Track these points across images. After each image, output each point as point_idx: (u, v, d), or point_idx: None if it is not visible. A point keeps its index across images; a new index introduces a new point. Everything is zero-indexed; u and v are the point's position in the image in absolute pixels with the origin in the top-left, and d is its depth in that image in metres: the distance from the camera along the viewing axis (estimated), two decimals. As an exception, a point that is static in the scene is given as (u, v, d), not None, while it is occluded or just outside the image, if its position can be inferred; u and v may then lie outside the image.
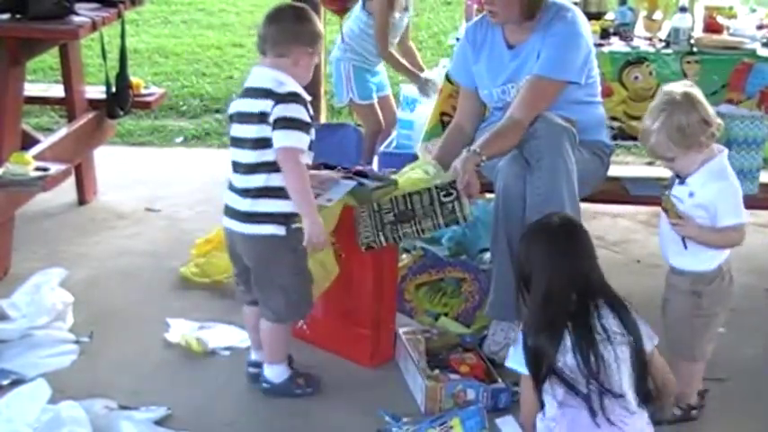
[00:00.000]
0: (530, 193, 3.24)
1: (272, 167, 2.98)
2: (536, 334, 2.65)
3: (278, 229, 3.01)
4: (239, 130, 3.04)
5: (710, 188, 2.89)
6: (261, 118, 2.96)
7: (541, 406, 2.67)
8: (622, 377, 2.61)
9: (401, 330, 3.37)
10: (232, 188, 3.07)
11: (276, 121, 2.94)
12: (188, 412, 3.12)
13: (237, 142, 3.04)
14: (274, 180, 2.99)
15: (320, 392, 3.22)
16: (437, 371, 3.14)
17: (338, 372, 3.35)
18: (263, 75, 3.02)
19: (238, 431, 3.07)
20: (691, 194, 2.91)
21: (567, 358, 2.61)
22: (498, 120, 3.45)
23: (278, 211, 3.01)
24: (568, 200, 3.24)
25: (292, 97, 2.97)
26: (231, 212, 3.07)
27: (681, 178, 2.95)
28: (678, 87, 2.94)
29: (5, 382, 3.22)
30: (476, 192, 3.23)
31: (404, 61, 4.84)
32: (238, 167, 3.04)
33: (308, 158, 3.04)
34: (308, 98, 3.03)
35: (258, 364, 3.25)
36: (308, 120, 2.99)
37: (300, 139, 2.96)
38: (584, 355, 2.60)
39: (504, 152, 3.33)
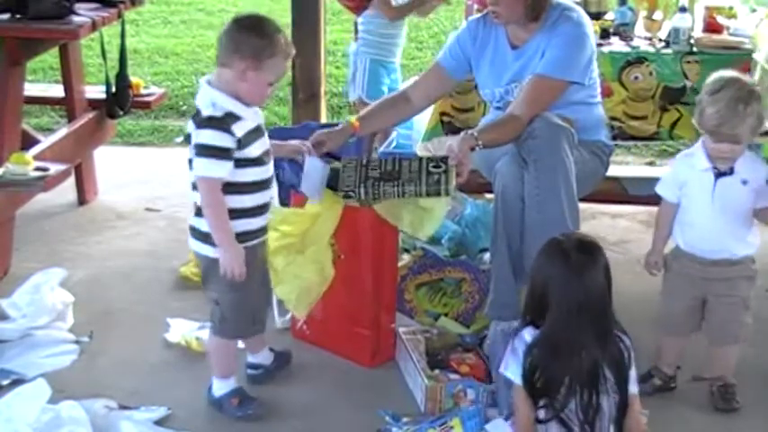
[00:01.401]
0: (528, 193, 3.24)
1: None
2: (546, 369, 2.59)
3: (212, 251, 2.95)
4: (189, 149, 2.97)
5: (761, 171, 3.05)
6: (189, 139, 2.93)
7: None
8: (611, 424, 2.61)
9: (401, 330, 3.37)
10: None
11: (194, 146, 2.88)
12: (188, 412, 3.12)
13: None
14: None
15: (260, 419, 3.10)
16: (437, 371, 3.14)
17: (338, 372, 3.35)
18: (202, 92, 2.93)
19: (238, 431, 3.07)
20: (744, 182, 3.02)
21: (569, 402, 2.59)
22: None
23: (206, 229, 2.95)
24: (567, 200, 3.23)
25: (208, 122, 2.86)
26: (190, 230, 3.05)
27: (722, 171, 3.02)
28: (739, 74, 3.10)
29: (5, 382, 3.22)
30: (465, 172, 3.22)
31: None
32: (193, 185, 2.97)
33: (256, 175, 2.96)
34: (247, 114, 2.90)
35: (256, 366, 3.27)
36: (228, 145, 2.86)
37: (214, 168, 2.85)
38: (585, 403, 2.58)
39: (499, 143, 3.34)
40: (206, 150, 2.86)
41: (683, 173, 3.11)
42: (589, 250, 2.62)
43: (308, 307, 3.30)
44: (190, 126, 2.93)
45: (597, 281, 2.58)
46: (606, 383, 2.59)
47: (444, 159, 3.20)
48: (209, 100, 2.90)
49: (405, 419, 3.02)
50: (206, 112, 2.88)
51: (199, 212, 2.96)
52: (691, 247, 3.10)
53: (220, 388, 3.14)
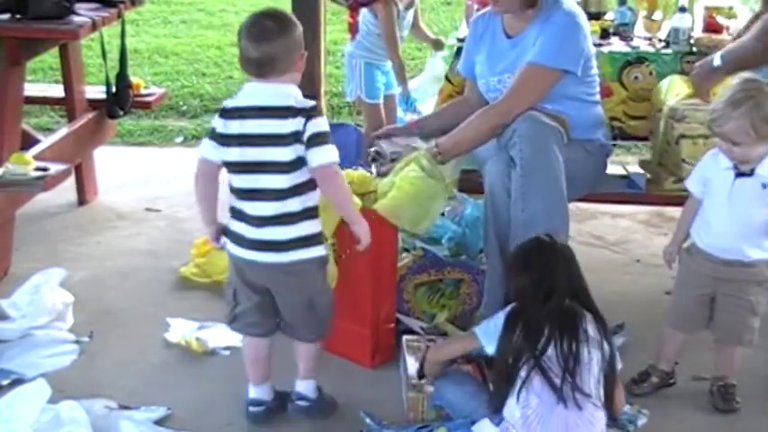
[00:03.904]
0: (514, 192, 3.26)
1: (307, 187, 2.85)
2: (523, 327, 2.73)
3: (321, 250, 2.93)
4: (265, 154, 2.81)
5: None
6: (295, 137, 2.78)
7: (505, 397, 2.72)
8: (592, 378, 2.69)
9: (405, 337, 3.35)
10: (252, 218, 2.86)
11: (315, 135, 2.77)
12: (188, 412, 3.12)
13: (262, 167, 2.82)
14: (312, 200, 2.88)
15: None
16: (423, 380, 3.08)
17: (338, 372, 3.35)
18: (280, 89, 2.83)
19: (238, 431, 3.07)
20: (765, 185, 2.97)
21: (548, 349, 2.68)
22: None
23: (317, 230, 2.91)
24: (553, 199, 3.23)
25: (317, 111, 2.83)
26: (260, 244, 2.87)
27: (742, 171, 2.98)
28: (758, 78, 3.02)
29: (5, 382, 3.22)
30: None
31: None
32: (266, 194, 2.83)
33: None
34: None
35: (260, 403, 3.10)
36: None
37: (336, 152, 2.83)
38: (566, 351, 2.67)
39: (473, 142, 3.41)
40: (328, 137, 2.82)
41: (708, 170, 3.08)
42: (560, 244, 2.87)
43: None
44: (291, 124, 2.77)
45: (576, 266, 2.83)
46: (587, 335, 2.70)
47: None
48: (288, 93, 2.84)
49: (385, 422, 3.02)
50: (306, 103, 2.82)
51: (302, 218, 2.86)
52: (706, 245, 3.09)
53: (315, 388, 3.12)
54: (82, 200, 4.76)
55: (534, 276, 2.78)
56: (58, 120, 5.82)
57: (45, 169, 3.83)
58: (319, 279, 2.97)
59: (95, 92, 4.73)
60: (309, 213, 2.88)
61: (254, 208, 2.85)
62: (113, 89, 4.56)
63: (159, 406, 3.11)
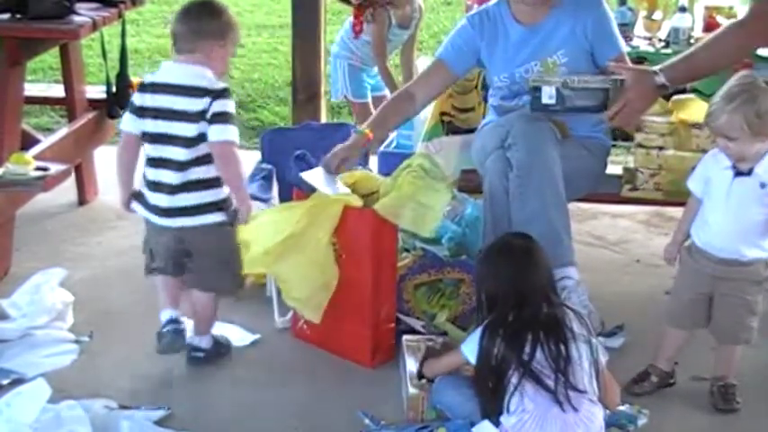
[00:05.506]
0: (511, 192, 3.27)
1: (206, 161, 3.11)
2: (504, 337, 2.72)
3: (223, 215, 3.17)
4: (172, 128, 3.09)
5: None
6: (201, 115, 3.05)
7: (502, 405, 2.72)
8: (584, 374, 2.70)
9: (405, 337, 3.35)
10: (161, 185, 3.17)
11: (218, 114, 3.04)
12: (188, 412, 3.12)
13: (168, 139, 3.10)
14: (211, 172, 3.13)
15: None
16: (424, 380, 3.08)
17: (338, 372, 3.35)
18: (189, 71, 3.09)
19: (238, 431, 3.07)
20: (763, 185, 2.96)
21: (536, 353, 2.68)
22: (525, 104, 3.44)
23: (217, 198, 3.15)
24: (549, 198, 3.24)
25: (227, 92, 3.08)
26: (171, 211, 3.17)
27: (740, 170, 2.98)
28: (754, 75, 3.01)
29: (5, 382, 3.22)
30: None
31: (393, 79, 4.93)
32: (170, 164, 3.12)
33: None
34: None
35: (172, 321, 3.29)
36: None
37: (237, 133, 3.09)
38: (552, 349, 2.68)
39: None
40: (231, 118, 3.08)
41: (709, 169, 3.08)
42: (526, 241, 2.87)
43: (321, 310, 3.30)
44: (201, 103, 3.04)
45: (544, 264, 2.83)
46: (573, 332, 2.71)
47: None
48: (201, 74, 3.08)
49: (383, 422, 3.02)
50: (217, 84, 3.08)
51: (203, 187, 3.13)
52: (704, 244, 3.09)
53: (210, 340, 3.37)
54: (82, 200, 4.76)
55: (502, 282, 2.79)
56: (58, 120, 5.82)
57: (45, 169, 3.83)
58: (231, 238, 3.22)
59: (95, 92, 4.74)
60: (210, 183, 3.14)
61: (160, 175, 3.16)
62: (113, 89, 4.56)
63: (159, 406, 3.11)
